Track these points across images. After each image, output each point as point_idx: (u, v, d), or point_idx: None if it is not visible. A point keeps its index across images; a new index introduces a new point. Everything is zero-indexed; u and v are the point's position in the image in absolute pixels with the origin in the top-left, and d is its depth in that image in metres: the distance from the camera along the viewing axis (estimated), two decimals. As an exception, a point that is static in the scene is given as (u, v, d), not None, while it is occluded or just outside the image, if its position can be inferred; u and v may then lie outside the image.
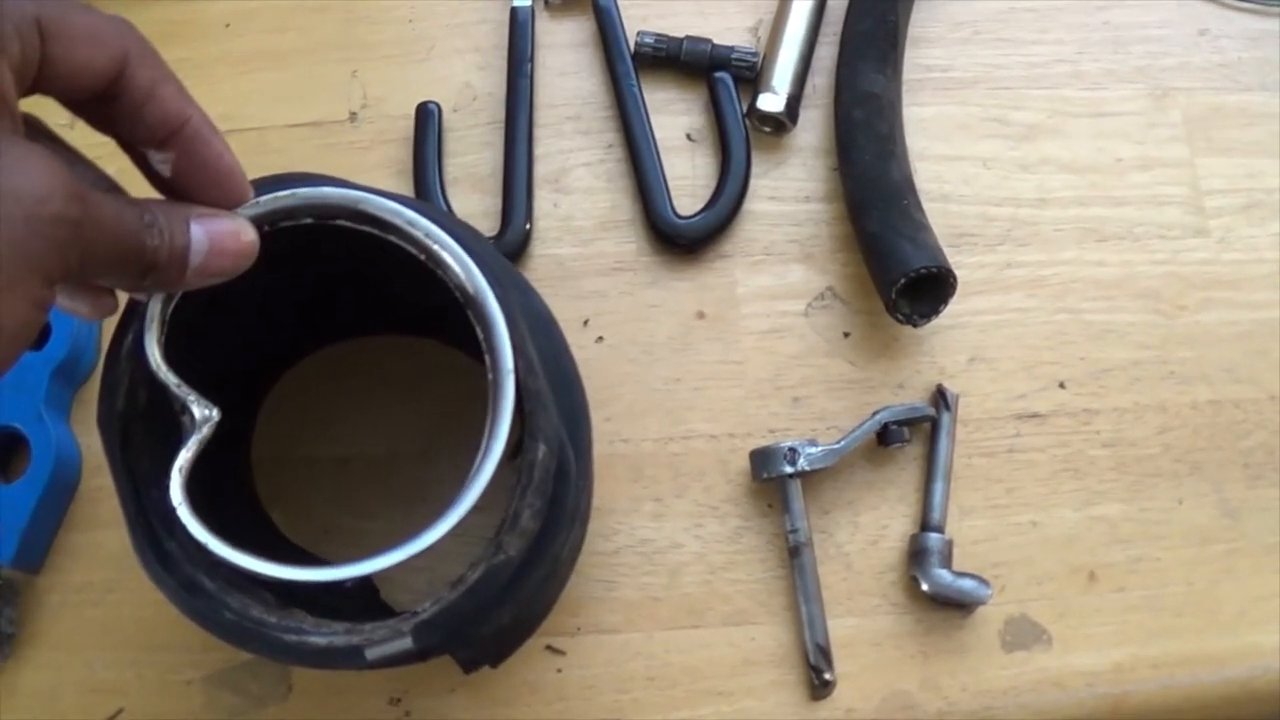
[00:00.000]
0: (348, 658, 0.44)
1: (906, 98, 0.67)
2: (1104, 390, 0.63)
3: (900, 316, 0.60)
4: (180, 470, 0.40)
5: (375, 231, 0.44)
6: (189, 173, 0.38)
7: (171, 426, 0.42)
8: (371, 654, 0.44)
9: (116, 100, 0.36)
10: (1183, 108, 0.69)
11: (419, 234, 0.43)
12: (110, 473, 0.45)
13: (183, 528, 0.40)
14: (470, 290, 0.43)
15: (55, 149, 0.38)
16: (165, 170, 0.38)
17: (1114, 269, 0.65)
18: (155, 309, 0.41)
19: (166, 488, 0.42)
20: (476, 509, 0.41)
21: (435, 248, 0.43)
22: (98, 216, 0.32)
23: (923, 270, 0.58)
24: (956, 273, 0.60)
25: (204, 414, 0.41)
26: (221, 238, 0.38)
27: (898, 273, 0.59)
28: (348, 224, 0.44)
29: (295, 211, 0.43)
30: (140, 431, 0.45)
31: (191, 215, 0.38)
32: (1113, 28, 0.70)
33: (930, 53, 0.69)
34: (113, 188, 0.39)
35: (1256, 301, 0.65)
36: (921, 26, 0.69)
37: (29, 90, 0.34)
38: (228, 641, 0.45)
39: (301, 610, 0.45)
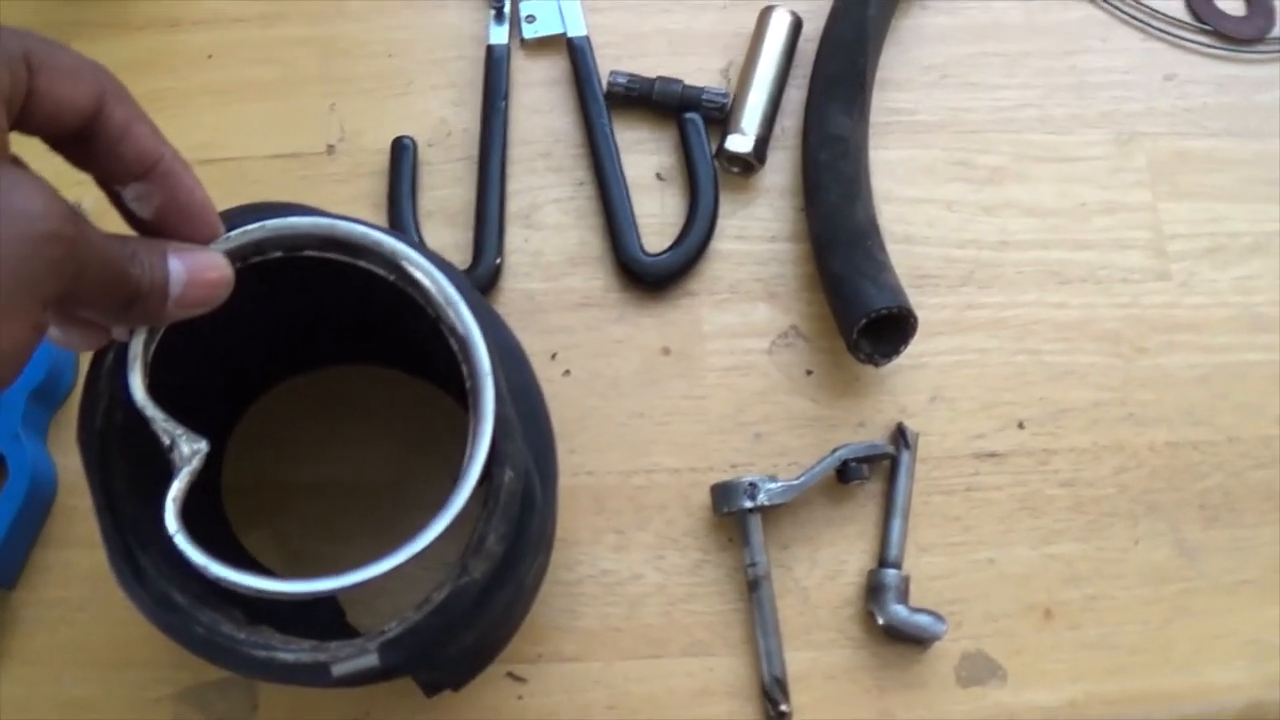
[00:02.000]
0: (314, 674, 0.45)
1: (874, 140, 0.68)
2: (1062, 430, 0.64)
3: (862, 356, 0.61)
4: (174, 500, 0.42)
5: (345, 258, 0.45)
6: (162, 208, 0.40)
7: (148, 445, 0.44)
8: (337, 670, 0.45)
9: (94, 138, 0.37)
10: (1147, 152, 0.70)
11: (386, 252, 0.44)
12: (89, 489, 0.46)
13: (175, 551, 0.41)
14: (441, 300, 0.44)
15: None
16: (139, 208, 0.40)
17: (1075, 311, 0.66)
18: (137, 348, 0.42)
19: (143, 507, 0.43)
20: (445, 535, 0.42)
21: (405, 265, 0.44)
22: (89, 239, 0.34)
23: (884, 310, 0.60)
24: (918, 313, 0.61)
25: (194, 447, 0.42)
26: (198, 270, 0.39)
27: (859, 313, 0.60)
28: (316, 254, 0.45)
29: (264, 245, 0.44)
30: (117, 450, 0.47)
31: (168, 249, 0.39)
32: (1079, 73, 0.71)
33: (898, 96, 0.70)
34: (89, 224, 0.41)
35: (1217, 345, 0.66)
36: (890, 70, 0.70)
37: (14, 124, 0.35)
38: (199, 655, 0.46)
39: (270, 629, 0.47)
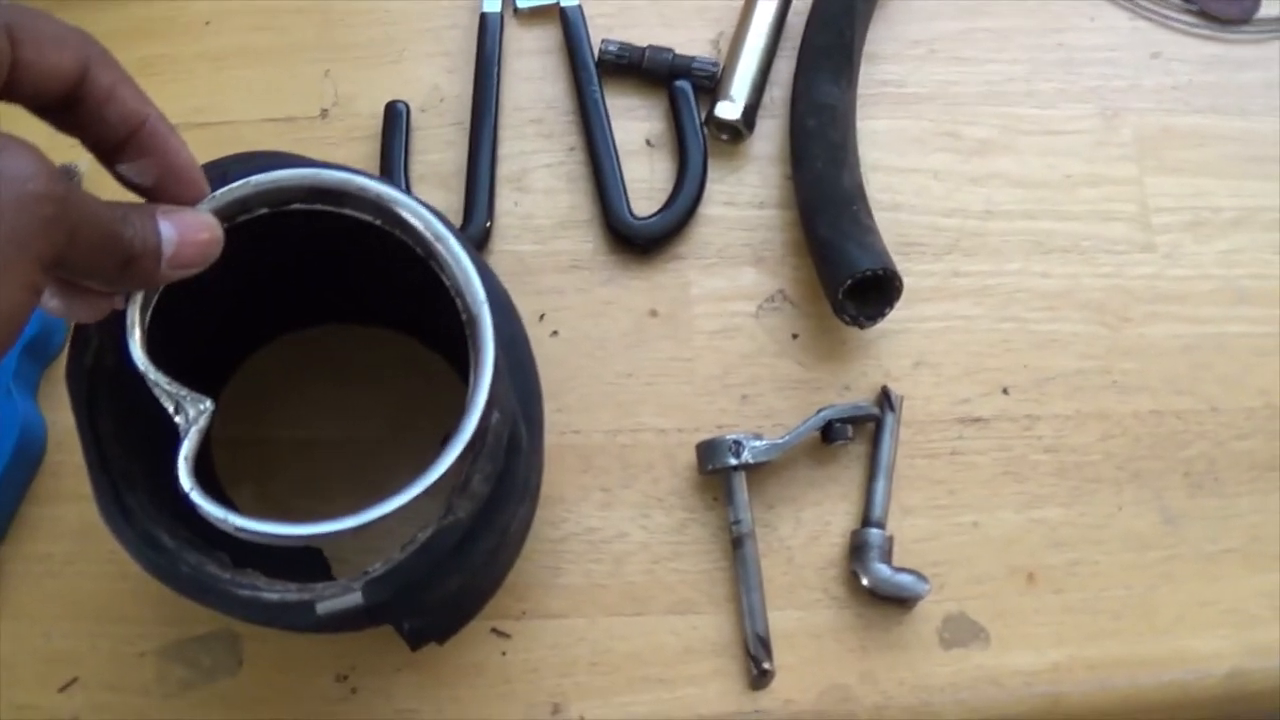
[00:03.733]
0: (298, 613, 0.45)
1: (862, 111, 0.69)
2: (1046, 397, 0.65)
3: (847, 318, 0.62)
4: (186, 459, 0.42)
5: (331, 208, 0.46)
6: (148, 170, 0.40)
7: (137, 391, 0.44)
8: (322, 608, 0.45)
9: (79, 103, 0.38)
10: (1133, 127, 0.70)
11: (371, 196, 0.45)
12: (77, 430, 0.46)
13: (163, 493, 0.42)
14: (431, 238, 0.45)
15: None
16: (134, 176, 0.40)
17: (1059, 280, 0.67)
18: (134, 314, 0.42)
19: (131, 449, 0.44)
20: (434, 489, 0.42)
21: (392, 207, 0.45)
22: (79, 200, 0.34)
23: (869, 272, 0.60)
24: (904, 279, 0.61)
25: (200, 407, 0.42)
26: (188, 230, 0.40)
27: (845, 274, 0.61)
28: (303, 206, 0.45)
29: (250, 202, 0.44)
30: (106, 391, 0.47)
31: (157, 211, 0.39)
32: (1066, 49, 0.72)
33: (887, 68, 0.71)
34: None
35: (1201, 316, 0.67)
36: (879, 44, 0.71)
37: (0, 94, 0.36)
38: (184, 595, 0.46)
39: (256, 571, 0.47)
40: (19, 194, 0.32)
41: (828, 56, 0.67)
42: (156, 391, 0.42)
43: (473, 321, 0.44)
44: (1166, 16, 0.73)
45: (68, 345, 0.47)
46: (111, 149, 0.40)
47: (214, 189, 0.43)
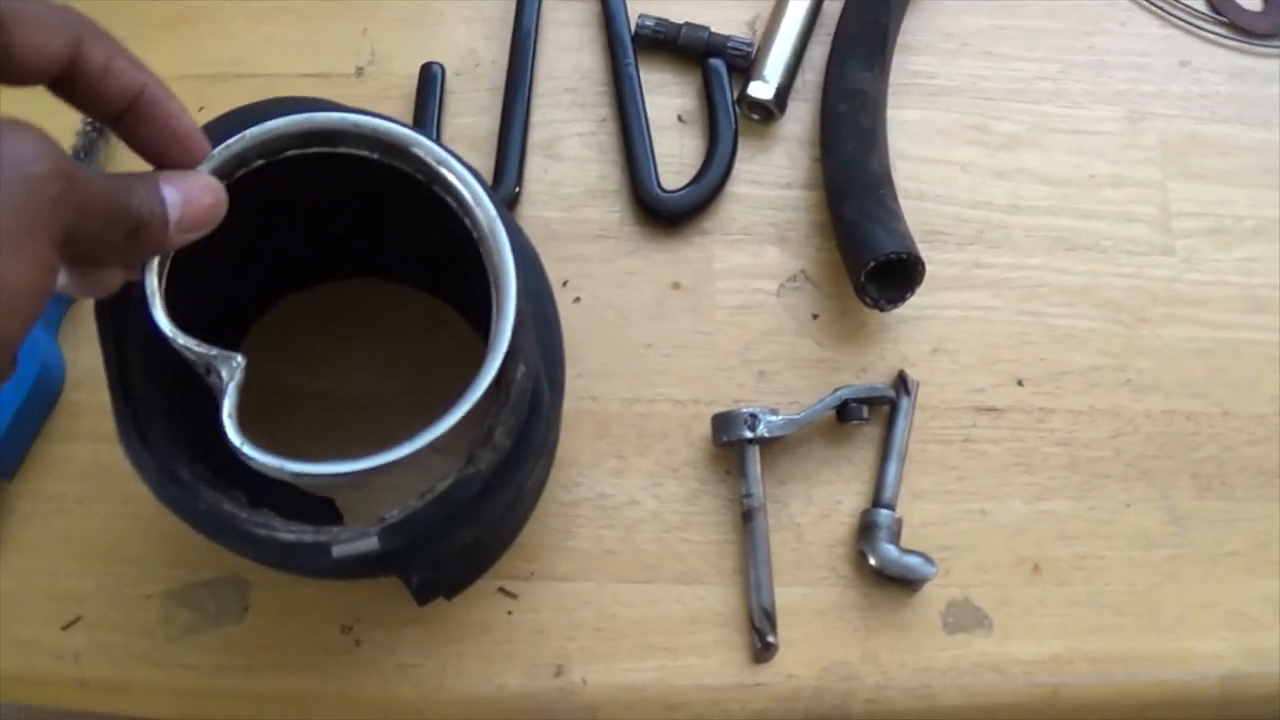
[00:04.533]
0: (313, 554, 0.45)
1: (892, 100, 0.69)
2: (1061, 391, 0.65)
3: (868, 300, 0.62)
4: (231, 417, 0.42)
5: (326, 149, 0.45)
6: (149, 136, 0.41)
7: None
8: (337, 551, 0.45)
9: (75, 80, 0.38)
10: (1159, 132, 0.71)
11: (366, 131, 0.45)
12: (103, 359, 0.46)
13: (184, 429, 0.42)
14: (432, 161, 0.45)
15: None
16: (135, 143, 0.41)
17: (1080, 277, 0.67)
18: (153, 283, 0.43)
19: (156, 383, 0.44)
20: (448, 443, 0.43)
21: (386, 137, 0.45)
22: (85, 176, 0.35)
23: (892, 255, 0.61)
24: (927, 266, 0.62)
25: (232, 365, 0.43)
26: (191, 193, 0.40)
27: (868, 256, 0.61)
28: (297, 152, 0.45)
29: (246, 155, 0.45)
30: (131, 324, 0.47)
31: (160, 178, 0.40)
32: (1097, 52, 0.73)
33: (919, 60, 0.71)
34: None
35: (1217, 321, 0.67)
36: (913, 35, 0.72)
37: None
38: (199, 531, 0.46)
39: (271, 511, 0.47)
40: (25, 175, 0.32)
41: (862, 43, 0.67)
42: (187, 355, 0.43)
43: (485, 239, 0.44)
44: (1197, 26, 0.74)
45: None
46: (113, 119, 0.40)
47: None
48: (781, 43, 0.68)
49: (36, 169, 0.32)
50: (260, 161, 0.45)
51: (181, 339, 0.43)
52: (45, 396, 0.62)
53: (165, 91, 0.41)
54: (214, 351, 0.43)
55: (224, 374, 0.43)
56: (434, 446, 0.42)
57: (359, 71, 0.69)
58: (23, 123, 0.33)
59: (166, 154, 0.41)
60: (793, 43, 0.68)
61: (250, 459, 0.42)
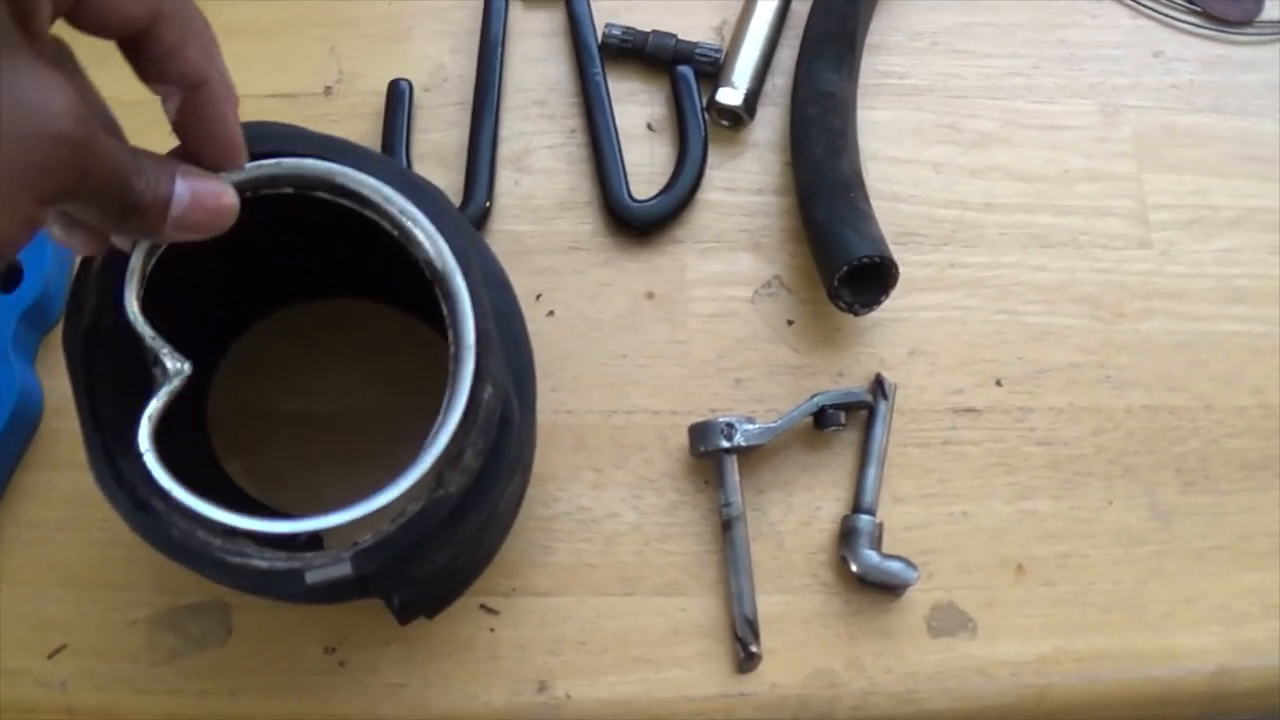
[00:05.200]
0: (287, 581, 0.45)
1: (862, 101, 0.69)
2: (1040, 390, 0.65)
3: (842, 304, 0.62)
4: (149, 418, 0.42)
5: (352, 205, 0.46)
6: (193, 131, 0.41)
7: (134, 352, 0.44)
8: (311, 577, 0.45)
9: (142, 49, 0.38)
10: (1133, 124, 0.71)
11: (394, 210, 0.45)
12: (72, 391, 0.46)
13: (147, 471, 0.42)
14: (439, 267, 0.45)
15: (74, 78, 0.40)
16: (178, 128, 0.41)
17: (1056, 274, 0.67)
18: (137, 261, 0.42)
19: (126, 412, 0.44)
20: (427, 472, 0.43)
21: (408, 224, 0.45)
22: (97, 144, 0.34)
23: (865, 259, 0.60)
24: (901, 269, 0.61)
25: (176, 366, 0.43)
26: (202, 195, 0.40)
27: (840, 260, 0.61)
28: (326, 196, 0.46)
29: (277, 180, 0.45)
30: (103, 353, 0.47)
31: (178, 170, 0.39)
32: (1068, 45, 0.72)
33: (889, 60, 0.71)
34: (114, 128, 0.41)
35: (1196, 313, 0.67)
36: (882, 35, 0.71)
37: (64, 16, 0.36)
38: (174, 560, 0.46)
39: (245, 538, 0.47)
40: (40, 131, 0.32)
41: (830, 44, 0.67)
42: (141, 341, 0.43)
43: (457, 358, 0.44)
44: (1169, 16, 0.73)
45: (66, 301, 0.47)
46: (166, 98, 0.40)
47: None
48: (749, 47, 0.68)
49: (54, 128, 0.32)
50: (289, 190, 0.45)
51: (141, 324, 0.42)
52: (24, 425, 0.62)
53: (226, 93, 0.41)
54: (166, 348, 0.43)
55: (168, 369, 0.43)
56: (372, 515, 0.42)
57: (327, 90, 0.69)
58: (55, 72, 0.33)
59: (203, 153, 0.41)
60: (761, 46, 0.68)
61: (150, 470, 0.42)
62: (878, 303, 0.62)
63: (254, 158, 0.44)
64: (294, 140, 0.48)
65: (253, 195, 0.44)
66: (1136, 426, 0.65)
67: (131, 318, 0.42)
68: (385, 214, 0.46)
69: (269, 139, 0.47)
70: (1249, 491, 0.64)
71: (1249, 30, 0.73)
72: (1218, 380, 0.66)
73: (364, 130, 0.67)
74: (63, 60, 0.40)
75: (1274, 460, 0.64)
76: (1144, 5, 0.73)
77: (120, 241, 0.43)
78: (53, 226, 0.42)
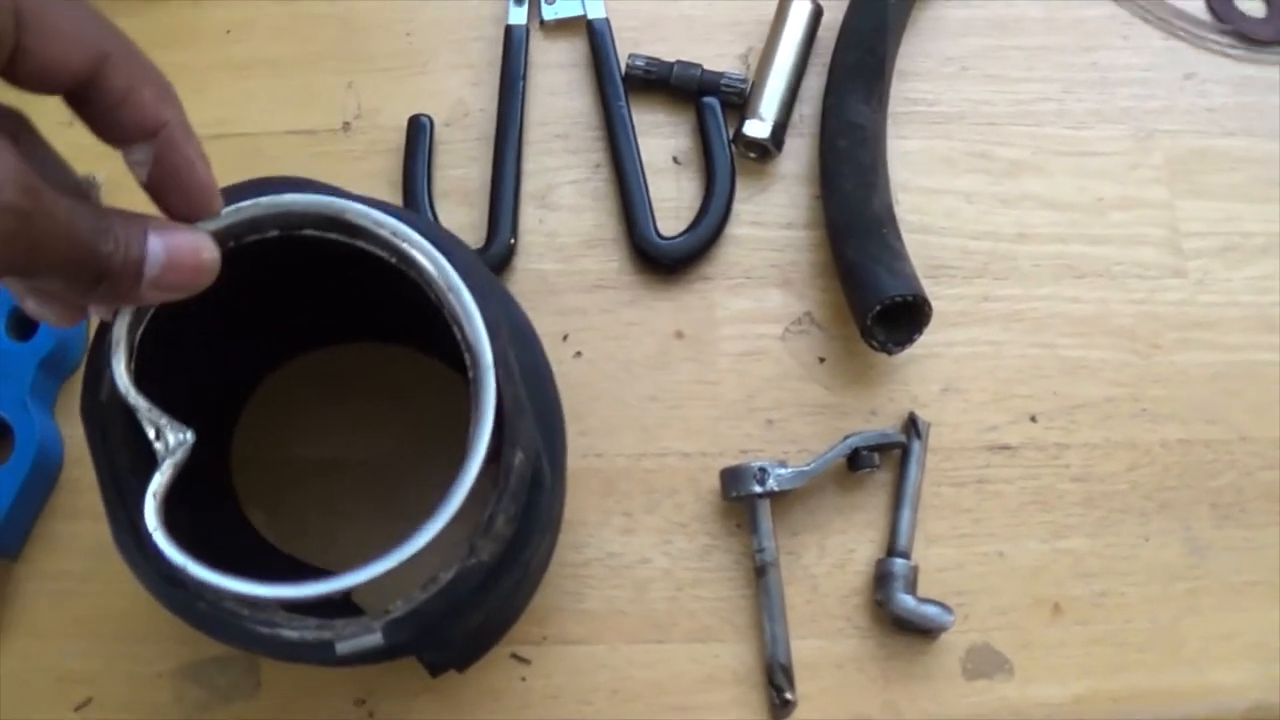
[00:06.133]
0: (318, 651, 0.44)
1: (892, 130, 0.68)
2: (1075, 425, 0.64)
3: (875, 344, 0.61)
4: (155, 495, 0.41)
5: (343, 237, 0.44)
6: (160, 183, 0.38)
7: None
8: (342, 648, 0.44)
9: (90, 100, 0.36)
10: (1165, 150, 0.69)
11: (385, 234, 0.43)
12: (92, 462, 0.45)
13: (180, 527, 0.41)
14: (443, 286, 0.43)
15: (25, 145, 0.38)
16: (140, 174, 0.38)
17: (1090, 306, 0.66)
18: (121, 332, 0.41)
19: (148, 481, 0.43)
20: (450, 523, 0.41)
21: (404, 246, 0.43)
22: (50, 212, 0.32)
23: (898, 298, 0.59)
24: (933, 303, 0.60)
25: (178, 438, 0.41)
26: (179, 253, 0.38)
27: (873, 300, 0.60)
28: (315, 233, 0.44)
29: (260, 223, 0.43)
30: (122, 422, 0.46)
31: (150, 227, 0.37)
32: (1099, 69, 0.71)
33: (918, 86, 0.70)
34: (80, 193, 0.38)
35: (1231, 343, 0.66)
36: (910, 60, 0.70)
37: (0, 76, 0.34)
38: (202, 631, 0.46)
39: (274, 605, 0.46)
40: None
41: (858, 74, 0.66)
42: (138, 416, 0.41)
43: (477, 381, 0.43)
44: (1200, 37, 0.72)
45: (84, 364, 0.46)
46: (124, 150, 0.38)
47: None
48: (776, 77, 0.67)
49: None
50: (275, 232, 0.43)
51: (134, 396, 0.41)
52: (45, 474, 0.61)
53: (187, 135, 0.38)
54: (164, 419, 0.41)
55: (171, 442, 0.41)
56: (412, 560, 0.41)
57: (346, 126, 0.67)
58: (10, 137, 0.31)
59: (173, 203, 0.39)
60: (787, 76, 0.67)
61: (161, 549, 0.40)
62: (910, 341, 0.61)
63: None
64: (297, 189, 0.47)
65: (236, 244, 0.42)
66: (1172, 461, 0.64)
67: (123, 392, 0.41)
68: (378, 239, 0.44)
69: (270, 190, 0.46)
70: (1285, 526, 0.63)
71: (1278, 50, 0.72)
72: (1253, 411, 0.65)
73: (384, 167, 0.66)
74: (18, 128, 0.38)
75: (1311, 493, 0.64)
76: (1175, 26, 0.72)
77: (100, 311, 0.41)
78: (25, 300, 0.39)
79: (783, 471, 0.59)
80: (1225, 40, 0.72)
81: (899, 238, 0.63)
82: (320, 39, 0.69)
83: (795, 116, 0.68)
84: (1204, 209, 0.69)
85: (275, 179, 0.47)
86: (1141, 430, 0.64)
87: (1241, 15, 0.72)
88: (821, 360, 0.64)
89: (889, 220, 0.63)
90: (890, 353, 0.61)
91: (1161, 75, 0.71)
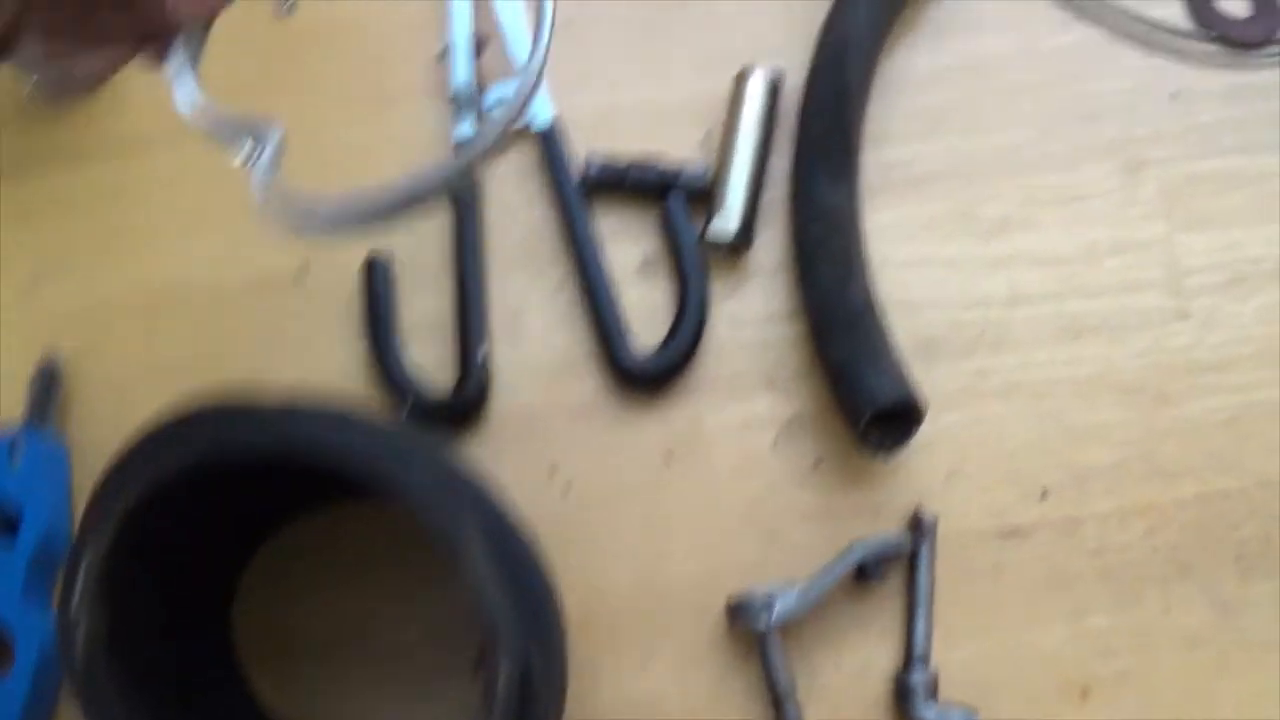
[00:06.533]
0: None
1: (868, 201, 0.65)
2: (1086, 496, 0.62)
3: (871, 448, 0.59)
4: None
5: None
6: None
7: (140, 656, 0.42)
8: None
9: None
10: (1158, 180, 0.66)
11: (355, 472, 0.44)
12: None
13: None
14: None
15: None
16: None
17: (1092, 365, 0.63)
18: (179, 58, 0.41)
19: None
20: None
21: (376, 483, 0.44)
22: None
23: (888, 405, 0.57)
24: (928, 383, 0.60)
25: (276, 132, 0.42)
26: None
27: (864, 407, 0.58)
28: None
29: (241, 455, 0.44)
30: (106, 676, 0.46)
31: None
32: (1081, 101, 0.67)
33: (890, 150, 0.66)
34: None
35: (1242, 384, 0.63)
36: (880, 121, 0.66)
37: None
38: None
39: None
40: None
41: (825, 152, 0.62)
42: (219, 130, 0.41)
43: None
44: (1184, 49, 0.68)
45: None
46: None
47: None
48: (739, 164, 0.63)
49: None
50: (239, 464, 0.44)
51: (212, 110, 0.41)
52: (51, 680, 0.61)
53: None
54: (247, 120, 0.42)
55: (266, 140, 0.42)
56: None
57: (300, 271, 0.65)
58: None
59: None
60: (750, 162, 0.64)
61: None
62: (907, 440, 0.59)
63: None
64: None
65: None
66: (1190, 519, 0.62)
67: (199, 109, 0.41)
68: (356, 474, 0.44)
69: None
70: (1314, 569, 0.61)
71: (1271, 49, 0.68)
72: (1271, 452, 0.63)
73: (345, 311, 0.64)
74: None
75: (1337, 531, 0.61)
76: (1154, 40, 0.68)
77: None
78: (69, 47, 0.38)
79: (789, 597, 0.58)
80: (1210, 48, 0.68)
81: (883, 329, 0.60)
82: (260, 181, 0.67)
83: (765, 200, 0.65)
84: (1204, 240, 0.65)
85: (249, 411, 0.46)
86: (1156, 491, 0.62)
87: (1225, 19, 0.68)
88: (818, 462, 0.62)
89: (870, 309, 0.60)
90: (888, 454, 0.59)
91: (1147, 98, 0.67)
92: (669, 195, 0.64)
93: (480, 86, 0.66)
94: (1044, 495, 0.62)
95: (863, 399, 0.58)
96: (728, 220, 0.63)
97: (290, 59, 0.68)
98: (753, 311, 0.64)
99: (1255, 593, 0.61)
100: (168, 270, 0.65)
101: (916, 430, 0.59)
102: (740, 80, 0.65)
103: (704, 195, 0.64)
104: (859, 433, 0.58)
